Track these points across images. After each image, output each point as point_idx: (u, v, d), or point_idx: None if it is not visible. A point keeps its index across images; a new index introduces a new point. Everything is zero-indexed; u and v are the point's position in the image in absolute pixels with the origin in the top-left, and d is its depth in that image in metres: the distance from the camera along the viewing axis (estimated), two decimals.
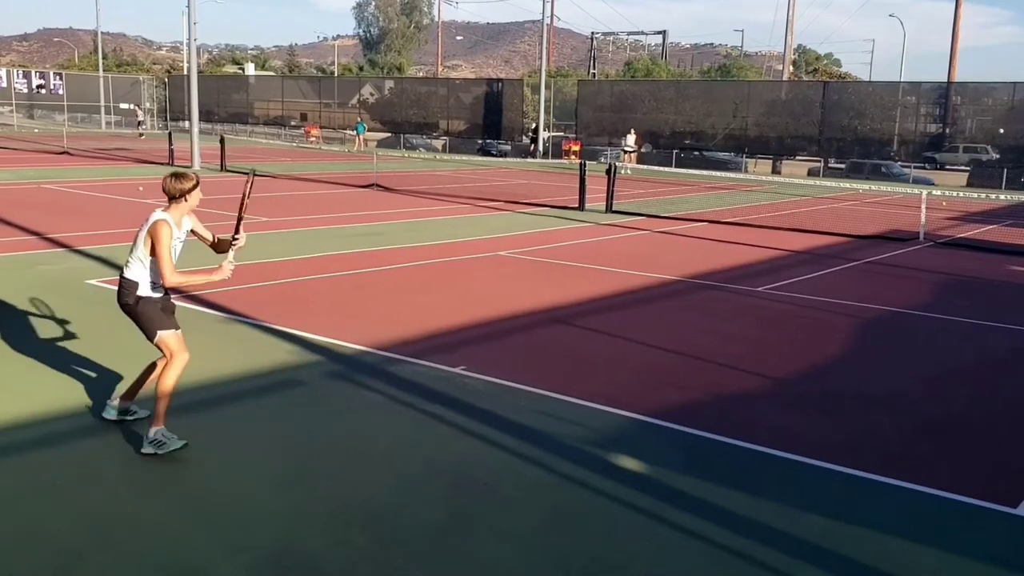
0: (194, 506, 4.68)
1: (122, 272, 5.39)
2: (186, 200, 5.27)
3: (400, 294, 10.20)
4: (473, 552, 4.28)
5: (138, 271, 5.29)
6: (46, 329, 7.92)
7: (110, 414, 5.74)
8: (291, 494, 4.87)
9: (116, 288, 5.44)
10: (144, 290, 5.33)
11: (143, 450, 5.24)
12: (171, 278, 5.20)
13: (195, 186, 5.30)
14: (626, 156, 35.66)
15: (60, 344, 7.45)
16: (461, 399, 6.46)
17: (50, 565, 4.01)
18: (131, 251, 5.33)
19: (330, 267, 11.68)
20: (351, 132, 46.99)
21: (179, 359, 5.36)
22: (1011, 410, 6.97)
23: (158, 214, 5.26)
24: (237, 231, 5.38)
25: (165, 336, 5.34)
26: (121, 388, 5.91)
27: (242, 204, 5.34)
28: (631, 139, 36.93)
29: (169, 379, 5.33)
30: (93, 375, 6.66)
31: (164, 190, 5.27)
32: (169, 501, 4.72)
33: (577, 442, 5.72)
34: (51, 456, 5.25)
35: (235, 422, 5.88)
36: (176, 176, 5.30)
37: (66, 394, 6.21)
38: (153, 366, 5.63)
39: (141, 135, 47.96)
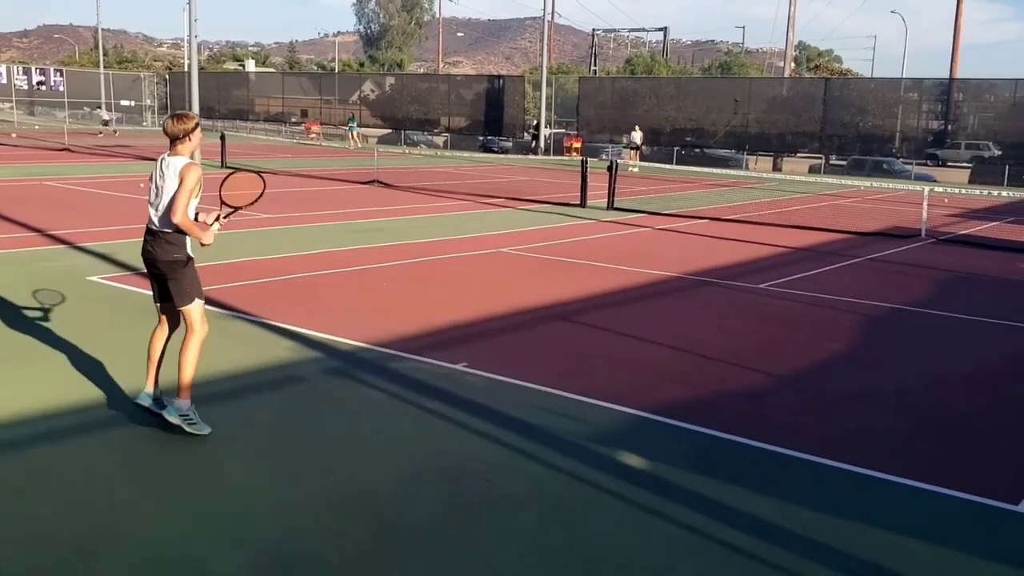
0: (195, 500, 4.67)
1: (159, 226, 5.27)
2: (190, 140, 5.28)
3: (401, 290, 10.19)
4: (473, 548, 4.27)
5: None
6: (48, 325, 7.91)
7: (145, 401, 5.57)
8: (291, 489, 4.86)
9: (147, 243, 5.32)
10: (189, 247, 5.35)
11: (168, 416, 5.29)
12: (182, 216, 5.16)
13: (196, 126, 5.32)
14: (634, 153, 35.58)
15: (62, 340, 7.44)
16: (462, 395, 6.45)
17: (52, 558, 4.00)
18: (164, 205, 5.22)
19: (330, 263, 11.68)
20: (346, 129, 46.93)
21: (203, 333, 5.42)
22: (1012, 407, 6.96)
23: (181, 159, 5.24)
24: (227, 215, 5.52)
25: (199, 306, 5.40)
26: (149, 378, 5.63)
27: (244, 203, 5.55)
28: (637, 136, 36.89)
29: (193, 354, 5.36)
30: (94, 371, 6.65)
31: (166, 132, 5.24)
32: (170, 495, 4.72)
33: (578, 438, 5.71)
34: (53, 451, 5.24)
35: (235, 418, 5.87)
36: (177, 117, 5.30)
37: (68, 390, 6.20)
38: (157, 345, 5.59)
39: (100, 133, 47.14)
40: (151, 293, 5.65)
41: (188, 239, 5.35)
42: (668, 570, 4.17)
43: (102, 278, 10.13)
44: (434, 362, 7.25)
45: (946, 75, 41.89)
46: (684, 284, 11.42)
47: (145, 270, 5.54)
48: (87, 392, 6.19)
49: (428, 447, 5.53)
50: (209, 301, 9.00)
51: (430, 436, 5.72)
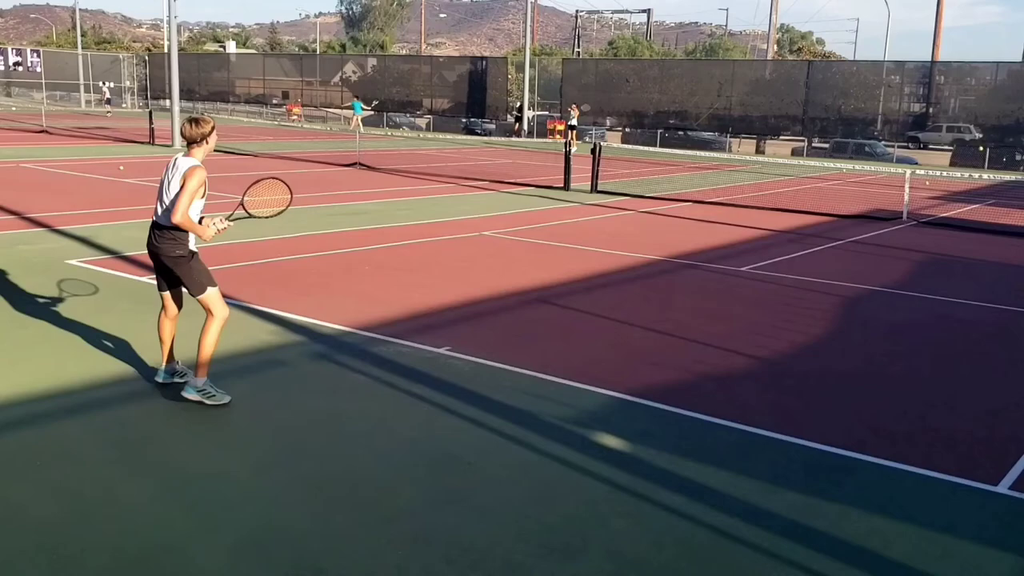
0: (175, 486, 4.64)
1: (162, 225, 5.50)
2: (207, 143, 5.54)
3: (383, 274, 10.14)
4: (457, 530, 4.26)
5: None
6: (26, 310, 7.83)
7: (162, 377, 5.96)
8: (273, 475, 4.84)
9: (152, 237, 5.58)
10: (193, 243, 5.61)
11: (186, 394, 5.63)
12: (182, 217, 5.34)
13: (212, 129, 5.57)
14: (571, 132, 35.41)
15: (41, 325, 7.37)
16: (445, 379, 6.44)
17: (31, 544, 3.97)
18: (168, 202, 5.44)
19: (312, 247, 11.61)
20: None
21: (222, 316, 5.66)
22: (993, 389, 7.01)
23: (190, 160, 5.47)
24: (232, 213, 5.72)
25: (214, 292, 5.62)
26: (162, 355, 6.01)
27: (261, 214, 5.90)
28: (574, 116, 37.13)
29: (213, 336, 5.62)
30: (74, 355, 6.59)
31: (184, 135, 5.50)
32: (150, 482, 4.68)
33: (561, 421, 5.71)
34: (32, 436, 5.19)
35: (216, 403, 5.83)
36: (194, 121, 5.54)
37: (47, 374, 6.14)
38: (167, 324, 5.87)
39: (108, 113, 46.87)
40: (145, 279, 5.83)
41: (191, 235, 5.58)
42: (653, 551, 4.18)
43: (82, 261, 10.02)
44: (417, 346, 7.22)
45: (928, 58, 42.06)
46: (667, 267, 11.43)
47: (150, 259, 5.77)
48: (66, 376, 6.13)
49: (411, 431, 5.51)
50: None
51: (413, 420, 5.70)
